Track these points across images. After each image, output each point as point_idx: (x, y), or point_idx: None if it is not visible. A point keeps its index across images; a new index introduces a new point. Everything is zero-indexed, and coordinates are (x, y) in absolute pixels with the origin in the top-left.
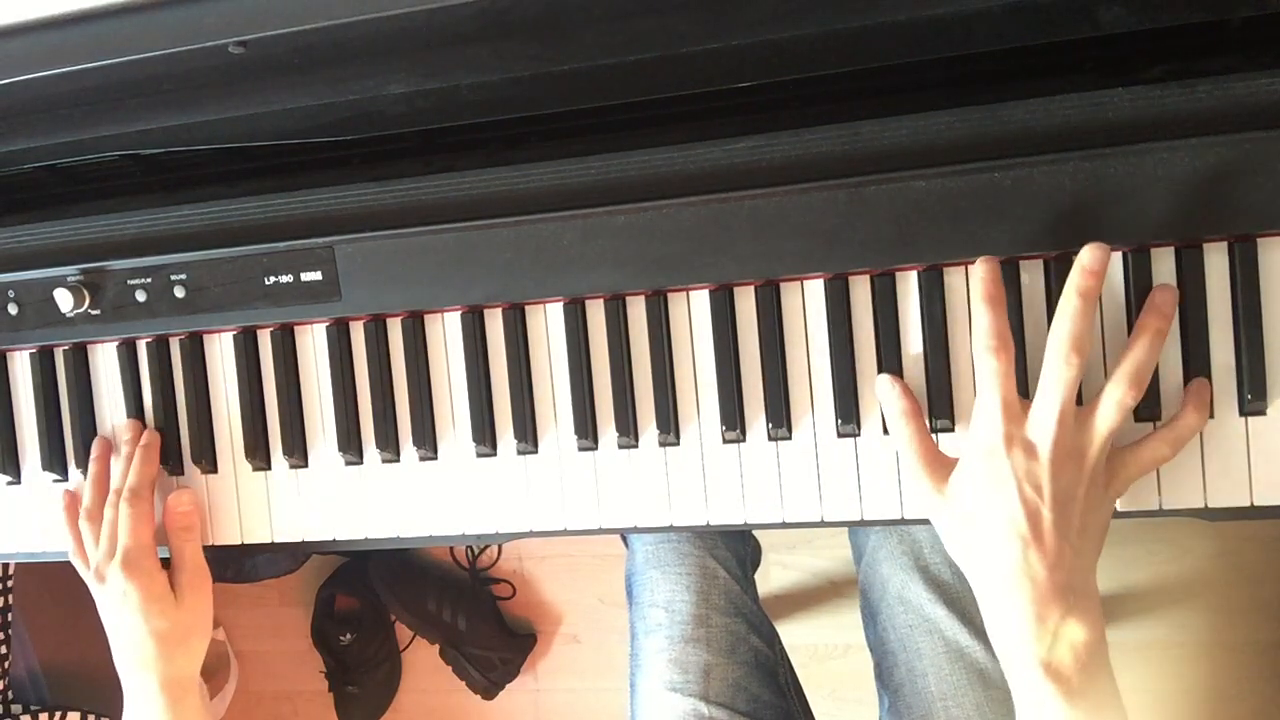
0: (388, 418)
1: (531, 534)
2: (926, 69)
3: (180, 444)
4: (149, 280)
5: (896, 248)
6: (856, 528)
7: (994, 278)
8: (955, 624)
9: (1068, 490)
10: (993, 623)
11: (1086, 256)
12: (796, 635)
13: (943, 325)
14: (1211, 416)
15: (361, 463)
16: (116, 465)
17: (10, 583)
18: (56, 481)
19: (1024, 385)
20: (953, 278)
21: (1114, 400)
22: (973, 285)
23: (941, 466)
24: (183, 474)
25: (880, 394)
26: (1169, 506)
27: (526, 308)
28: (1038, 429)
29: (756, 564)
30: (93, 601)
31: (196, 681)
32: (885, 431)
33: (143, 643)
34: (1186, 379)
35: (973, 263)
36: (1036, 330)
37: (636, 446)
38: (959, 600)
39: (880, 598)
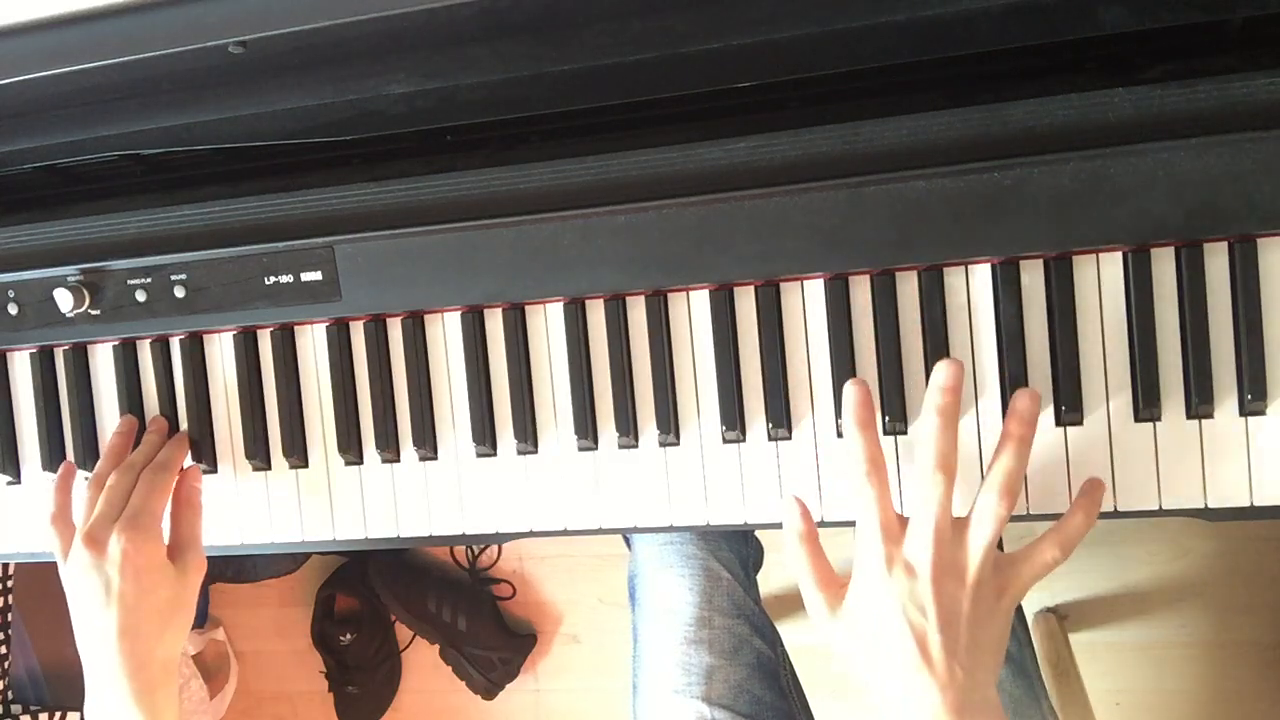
0: (388, 418)
1: (531, 534)
2: (926, 69)
3: None
4: (149, 280)
5: (896, 248)
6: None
7: (864, 402)
8: None
9: (951, 608)
10: None
11: (941, 375)
12: (799, 636)
13: (943, 325)
14: (1211, 417)
15: (361, 463)
16: (146, 440)
17: (10, 583)
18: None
19: (1024, 385)
20: (953, 278)
21: (989, 512)
22: (844, 410)
23: (836, 587)
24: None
25: (782, 513)
26: (1169, 506)
27: (526, 308)
28: (915, 548)
29: (759, 565)
30: None
31: (175, 669)
32: (885, 432)
33: (131, 614)
34: (1187, 379)
35: (973, 262)
36: (1037, 331)
37: (636, 446)
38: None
39: None
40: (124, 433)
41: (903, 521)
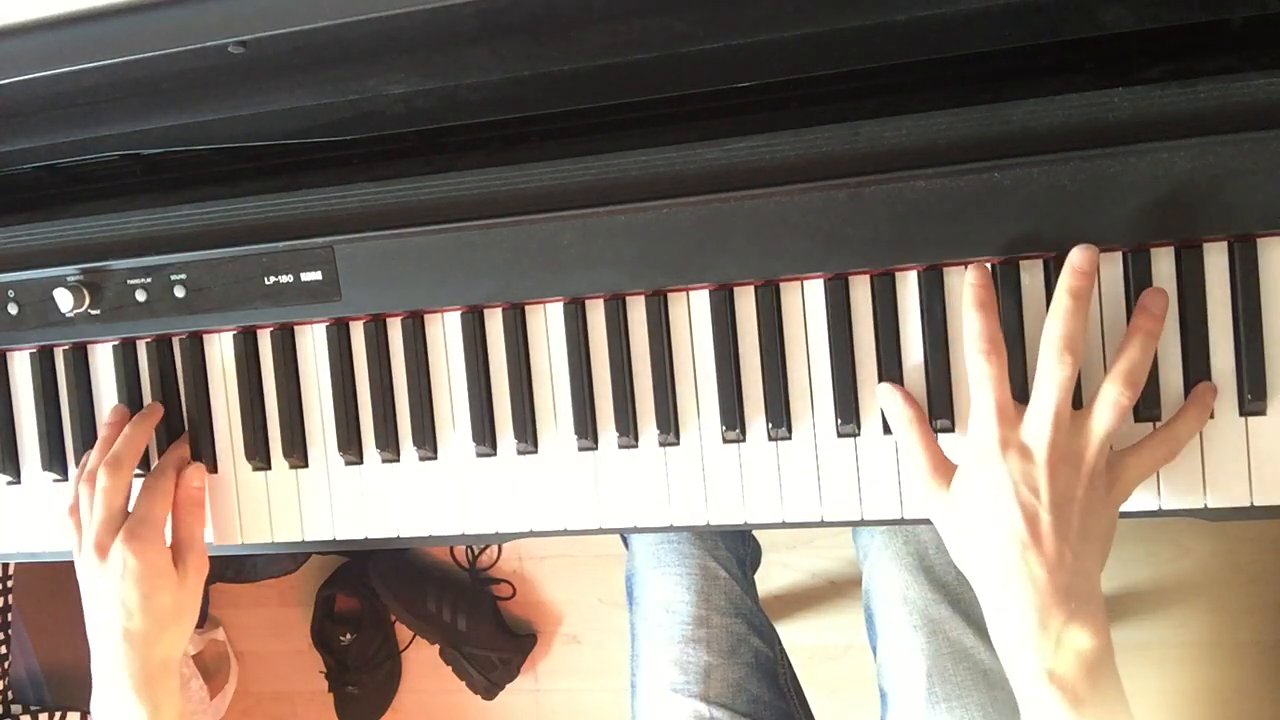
0: (388, 418)
1: (531, 534)
2: (926, 69)
3: None
4: (149, 280)
5: (896, 248)
6: (859, 528)
7: (984, 283)
8: (960, 625)
9: (1065, 492)
10: (996, 629)
11: (1076, 257)
12: (797, 635)
13: (943, 325)
14: (1211, 416)
15: (361, 463)
16: (126, 431)
17: (10, 583)
18: (56, 481)
19: (1024, 386)
20: (953, 278)
21: (1109, 401)
22: (964, 290)
23: (945, 472)
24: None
25: (882, 401)
26: (1169, 506)
27: (526, 308)
28: (1033, 431)
29: (757, 564)
30: None
31: (177, 667)
32: (886, 431)
33: (135, 618)
34: (1186, 379)
35: (973, 262)
36: (1036, 332)
37: (636, 446)
38: (962, 601)
39: (884, 598)
40: (115, 423)
41: (1019, 406)
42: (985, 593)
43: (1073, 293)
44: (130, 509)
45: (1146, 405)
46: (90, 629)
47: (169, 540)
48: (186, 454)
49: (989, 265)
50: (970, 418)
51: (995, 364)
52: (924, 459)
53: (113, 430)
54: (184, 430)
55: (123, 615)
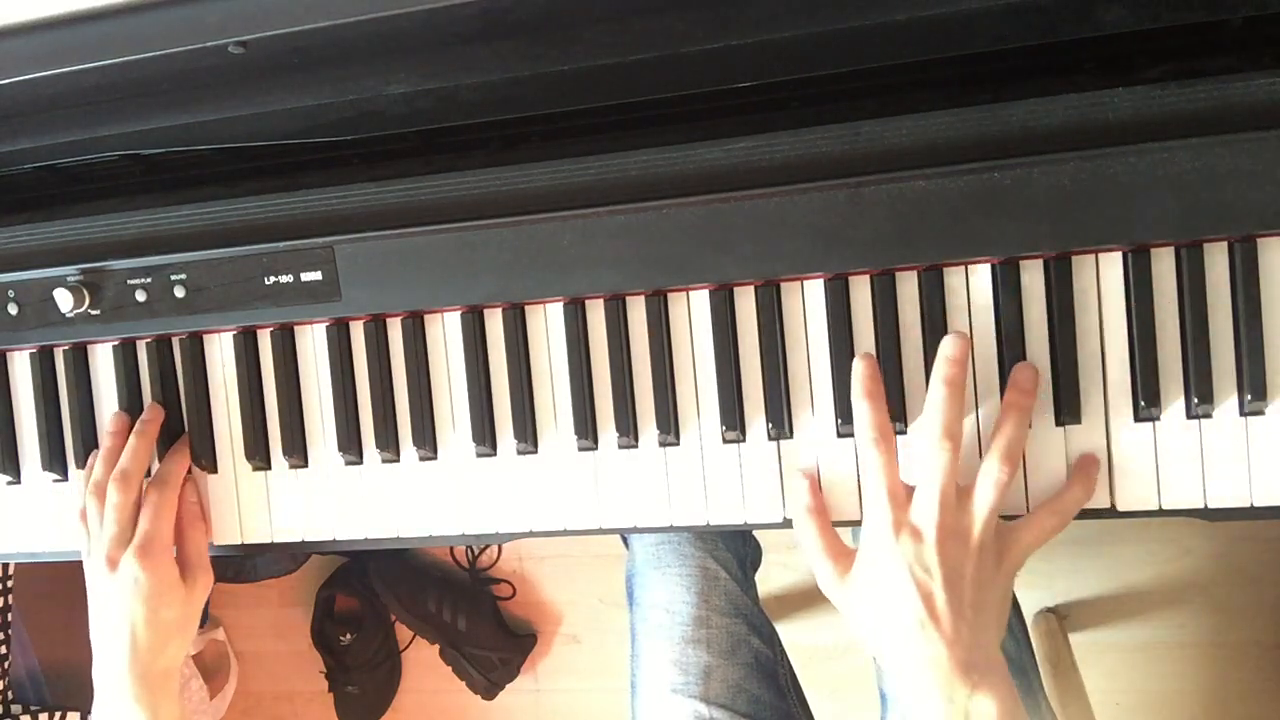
0: (388, 418)
1: (531, 534)
2: (926, 69)
3: None
4: (149, 280)
5: (896, 248)
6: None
7: (871, 374)
8: None
9: (956, 569)
10: (908, 708)
11: (948, 347)
12: (797, 636)
13: (943, 325)
14: (1211, 417)
15: (361, 463)
16: (130, 443)
17: (10, 583)
18: (56, 481)
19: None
20: (953, 278)
21: (991, 479)
22: (852, 381)
23: (844, 557)
24: (188, 473)
25: (788, 484)
26: (1169, 506)
27: (526, 308)
28: (921, 513)
29: (757, 565)
30: None
31: (177, 674)
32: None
33: (142, 631)
34: (1186, 379)
35: (973, 262)
36: (1037, 331)
37: (636, 446)
38: None
39: None
40: (117, 432)
41: (908, 489)
42: (893, 674)
43: (948, 382)
44: (137, 521)
45: (1147, 405)
46: (95, 635)
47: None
48: (186, 461)
49: (872, 357)
50: (864, 503)
51: (884, 450)
52: (824, 546)
53: (116, 440)
54: (184, 430)
55: (130, 627)
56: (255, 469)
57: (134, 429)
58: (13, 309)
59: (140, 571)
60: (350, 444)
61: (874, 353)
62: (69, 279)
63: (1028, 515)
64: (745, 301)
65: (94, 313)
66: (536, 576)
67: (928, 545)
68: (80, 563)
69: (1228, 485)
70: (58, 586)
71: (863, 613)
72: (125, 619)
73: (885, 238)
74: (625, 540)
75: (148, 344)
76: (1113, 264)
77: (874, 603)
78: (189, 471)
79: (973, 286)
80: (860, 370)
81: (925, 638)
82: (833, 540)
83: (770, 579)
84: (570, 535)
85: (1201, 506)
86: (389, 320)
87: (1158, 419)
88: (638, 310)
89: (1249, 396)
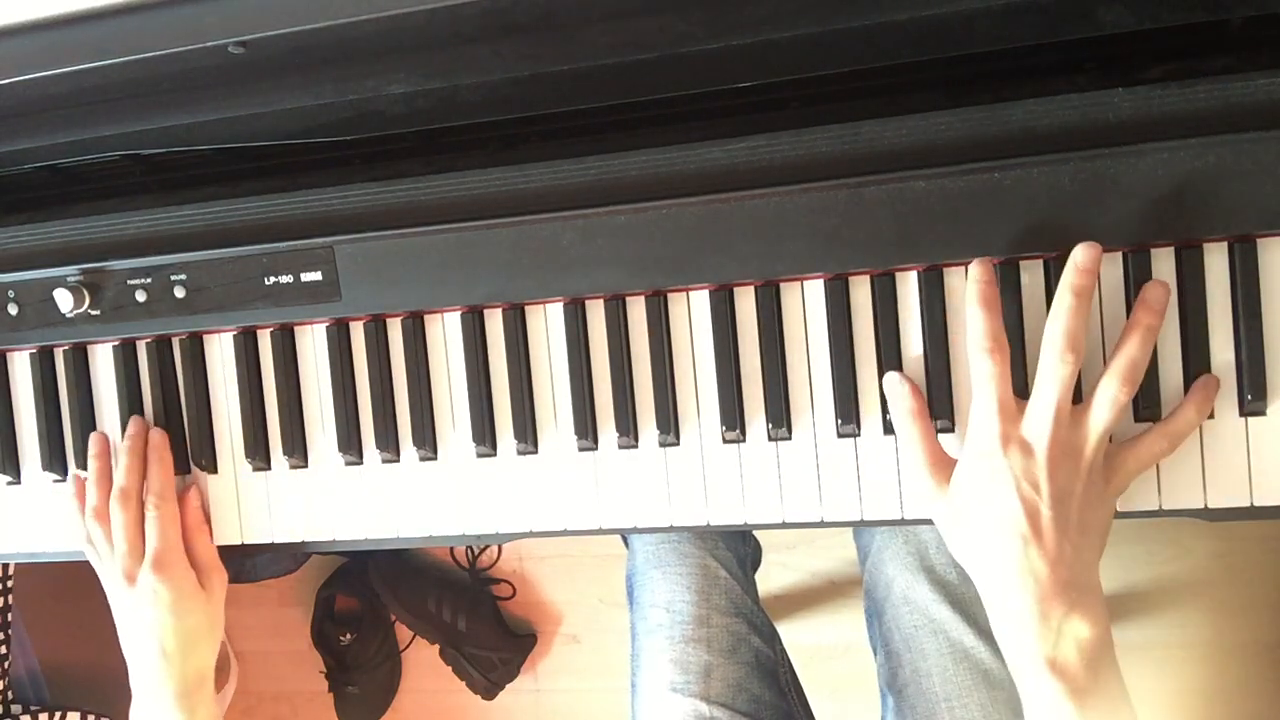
0: (388, 418)
1: (531, 534)
2: (926, 69)
3: (181, 444)
4: (149, 280)
5: (896, 248)
6: (860, 528)
7: (989, 279)
8: (960, 625)
9: (1065, 487)
10: (997, 622)
11: (1080, 255)
12: (797, 635)
13: (943, 325)
14: (1211, 416)
15: (361, 463)
16: (121, 461)
17: (10, 583)
18: (56, 482)
19: (1025, 385)
20: (953, 278)
21: (1108, 397)
22: (967, 286)
23: (944, 467)
24: (188, 472)
25: (888, 390)
26: (1169, 506)
27: (526, 308)
28: (1033, 427)
29: (757, 564)
30: (93, 601)
31: (212, 674)
32: (887, 431)
33: (171, 639)
34: (1186, 379)
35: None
36: (1036, 331)
37: (636, 446)
38: (964, 601)
39: (885, 598)
40: (100, 454)
41: (1020, 403)
42: (986, 587)
43: (1075, 291)
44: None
45: (1147, 404)
46: (126, 648)
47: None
48: (172, 469)
49: (990, 264)
50: (971, 414)
51: (998, 361)
52: (924, 453)
53: (102, 462)
54: (183, 432)
55: (158, 638)
56: (255, 469)
57: (123, 447)
58: (13, 309)
59: (159, 584)
60: (350, 444)
61: (875, 354)
62: (69, 279)
63: (1137, 437)
64: (745, 301)
65: (94, 313)
66: (536, 576)
67: (1038, 461)
68: (81, 563)
69: (1228, 485)
70: (58, 586)
71: (961, 524)
72: (152, 631)
73: (885, 238)
74: (625, 540)
75: (148, 344)
76: (1112, 264)
77: (975, 516)
78: (190, 474)
79: (968, 288)
80: (977, 275)
81: (1027, 554)
82: (934, 446)
83: (770, 578)
84: (570, 535)
85: (1201, 506)
86: (389, 320)
87: (1158, 419)
88: (638, 310)
89: (1249, 396)
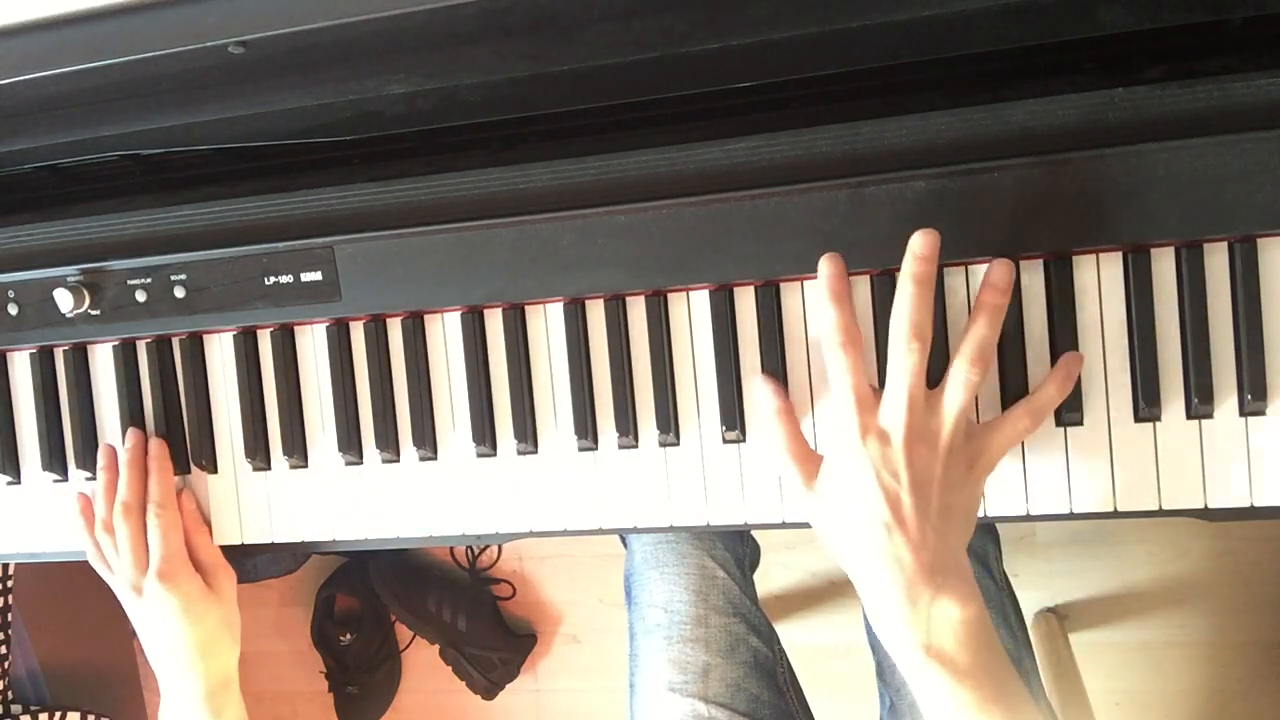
0: (388, 418)
1: (531, 534)
2: (926, 69)
3: (181, 444)
4: (149, 280)
5: (896, 248)
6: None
7: (838, 273)
8: None
9: (924, 472)
10: (874, 615)
11: (917, 243)
12: (797, 635)
13: (943, 325)
14: (1211, 417)
15: (361, 463)
16: (122, 474)
17: (10, 583)
18: (57, 482)
19: (1023, 386)
20: (952, 278)
21: (960, 379)
22: (819, 283)
23: (811, 463)
24: (189, 472)
25: (755, 393)
26: (1169, 506)
27: (526, 308)
28: (889, 416)
29: (755, 564)
30: (93, 601)
31: (236, 673)
32: None
33: (189, 643)
34: (1186, 379)
35: (973, 263)
36: (1037, 331)
37: (636, 446)
38: None
39: None
40: (108, 465)
41: (876, 392)
42: (858, 579)
43: (916, 279)
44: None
45: (1147, 405)
46: (149, 655)
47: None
48: (172, 476)
49: (839, 258)
50: (832, 408)
51: (851, 354)
52: (791, 452)
53: (109, 474)
54: (183, 432)
55: (176, 645)
56: (255, 469)
57: (123, 460)
58: (13, 309)
59: (166, 593)
60: (350, 444)
61: (874, 354)
62: (69, 279)
63: (999, 416)
64: (745, 301)
65: (94, 313)
66: (536, 576)
67: (895, 448)
68: (80, 563)
69: (1228, 485)
70: (58, 586)
71: (829, 517)
72: (169, 639)
73: (885, 238)
74: (624, 540)
75: (148, 344)
76: (1113, 264)
77: (840, 506)
78: (190, 474)
79: (973, 286)
80: (827, 270)
81: (890, 541)
82: (801, 444)
83: (770, 579)
84: (570, 535)
85: (1201, 506)
86: (389, 320)
87: (1158, 419)
88: (638, 310)
89: (1249, 396)
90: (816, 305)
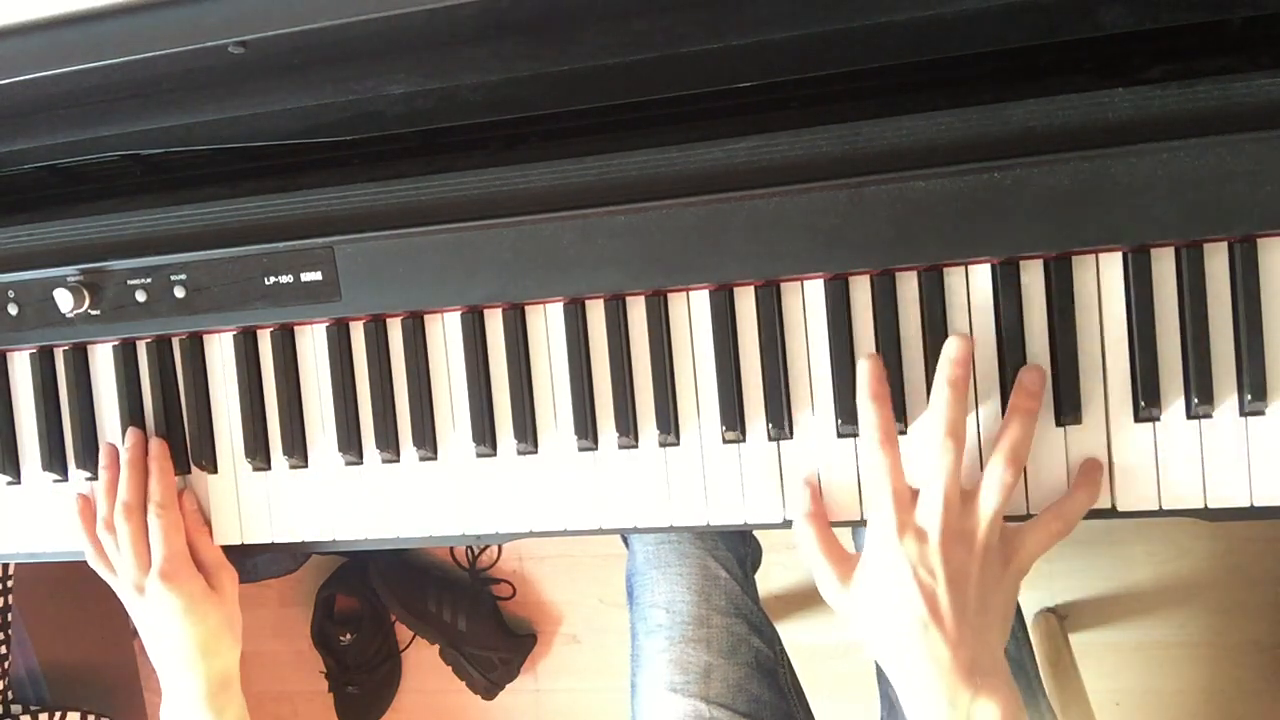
0: (388, 418)
1: (531, 534)
2: (927, 69)
3: (181, 444)
4: (149, 280)
5: (896, 248)
6: (860, 529)
7: (878, 375)
8: None
9: (961, 570)
10: (910, 711)
11: (952, 348)
12: (797, 635)
13: (943, 325)
14: (1211, 417)
15: (361, 463)
16: (123, 474)
17: (10, 583)
18: (57, 482)
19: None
20: (953, 278)
21: (996, 481)
22: (859, 384)
23: (845, 562)
24: (189, 472)
25: (790, 493)
26: (1169, 506)
27: (526, 308)
28: (926, 515)
29: (757, 564)
30: (93, 601)
31: (237, 673)
32: None
33: (190, 643)
34: (1186, 379)
35: (973, 263)
36: (1037, 331)
37: (636, 446)
38: None
39: None
40: (110, 465)
41: (913, 492)
42: (895, 677)
43: (951, 383)
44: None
45: (1147, 405)
46: (150, 653)
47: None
48: (173, 477)
49: (879, 359)
50: (867, 507)
51: (890, 453)
52: (824, 553)
53: (110, 474)
54: (183, 432)
55: (177, 645)
56: (255, 469)
57: (124, 460)
58: (13, 309)
59: (168, 593)
60: (350, 444)
61: (875, 346)
62: (69, 279)
63: (1033, 520)
64: (745, 301)
65: (94, 313)
66: (536, 576)
67: (932, 547)
68: (81, 563)
69: (1228, 485)
70: (58, 586)
71: (866, 616)
72: (171, 639)
73: (885, 238)
74: (625, 540)
75: (148, 344)
76: (1113, 264)
77: (877, 605)
78: (190, 473)
79: (973, 286)
80: (866, 371)
81: (928, 639)
82: (833, 545)
83: (770, 579)
84: (570, 535)
85: (1201, 506)
86: (389, 320)
87: (1158, 419)
88: (638, 310)
89: (1249, 396)
90: (858, 404)
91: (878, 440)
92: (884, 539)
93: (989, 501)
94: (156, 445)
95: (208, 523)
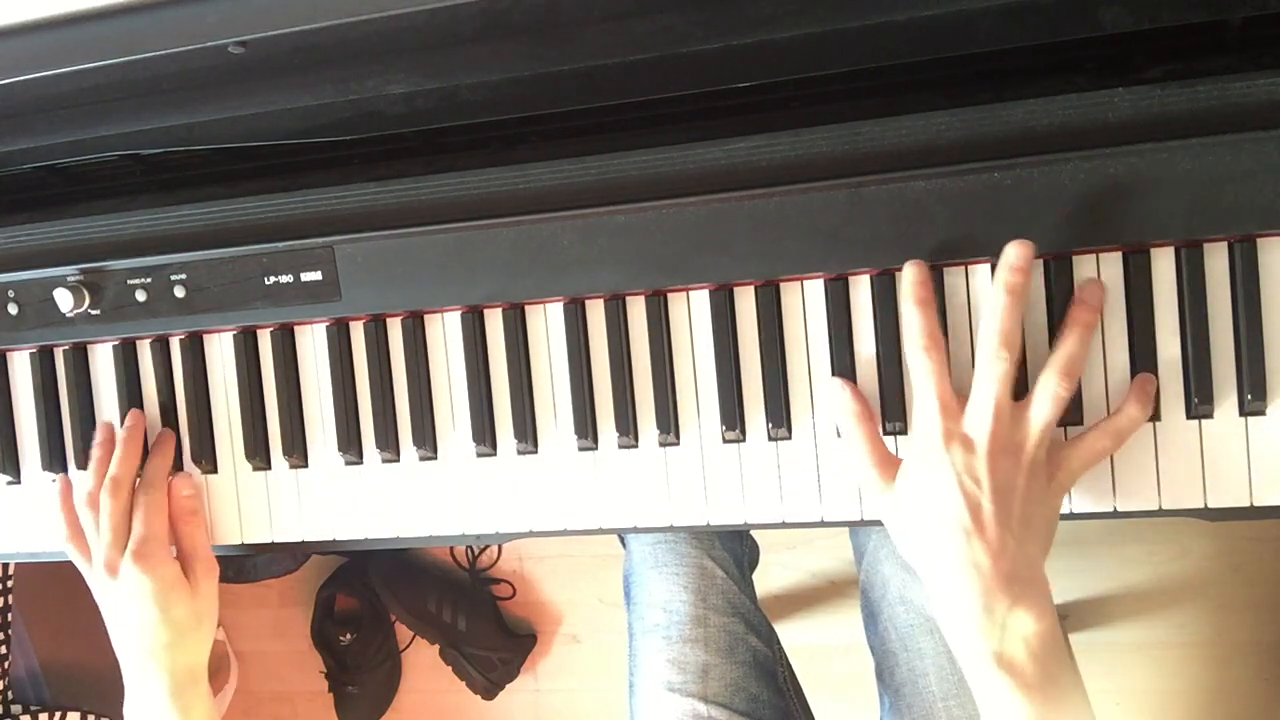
0: (388, 418)
1: (531, 534)
2: (926, 69)
3: (181, 444)
4: (149, 280)
5: (896, 248)
6: (857, 528)
7: (923, 280)
8: None
9: (1006, 482)
10: (944, 618)
11: (1012, 253)
12: (796, 635)
13: (943, 325)
14: (1211, 417)
15: (361, 463)
16: (118, 450)
17: (10, 583)
18: (57, 481)
19: (1024, 388)
20: (953, 278)
21: (1047, 392)
22: (901, 288)
23: (890, 466)
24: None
25: (831, 396)
26: (1169, 506)
27: (526, 308)
28: (974, 423)
29: (754, 564)
30: (93, 601)
31: (205, 670)
32: (887, 432)
33: (155, 632)
34: (1186, 379)
35: (973, 263)
36: (1036, 331)
37: (636, 446)
38: None
39: (881, 597)
40: (104, 442)
41: (960, 399)
42: (932, 582)
43: (1009, 289)
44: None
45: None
46: (115, 643)
47: (173, 551)
48: (170, 457)
49: (924, 265)
50: (914, 412)
51: (936, 359)
52: (870, 453)
53: (104, 450)
54: (163, 431)
55: (143, 631)
56: (255, 469)
57: (120, 437)
58: (13, 309)
59: (140, 575)
60: (350, 444)
61: (875, 354)
62: (69, 279)
63: (1081, 435)
64: (745, 301)
65: (94, 313)
66: (536, 576)
67: (979, 456)
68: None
69: (1228, 485)
70: (58, 586)
71: (907, 520)
72: (137, 623)
73: (885, 238)
74: (622, 540)
75: (148, 344)
76: (1113, 264)
77: (919, 511)
78: (186, 467)
79: (973, 286)
80: (911, 276)
81: (969, 546)
82: (878, 444)
83: (769, 579)
84: (570, 535)
85: (1201, 506)
86: (389, 320)
87: (1158, 419)
88: (638, 310)
89: (1249, 396)
90: (901, 308)
91: (922, 345)
92: (929, 445)
93: (1040, 414)
94: (164, 432)
95: (208, 520)
